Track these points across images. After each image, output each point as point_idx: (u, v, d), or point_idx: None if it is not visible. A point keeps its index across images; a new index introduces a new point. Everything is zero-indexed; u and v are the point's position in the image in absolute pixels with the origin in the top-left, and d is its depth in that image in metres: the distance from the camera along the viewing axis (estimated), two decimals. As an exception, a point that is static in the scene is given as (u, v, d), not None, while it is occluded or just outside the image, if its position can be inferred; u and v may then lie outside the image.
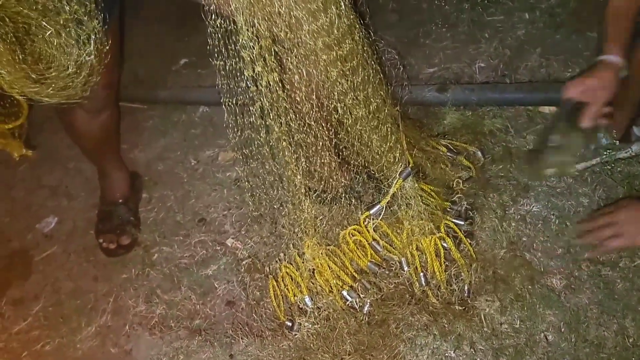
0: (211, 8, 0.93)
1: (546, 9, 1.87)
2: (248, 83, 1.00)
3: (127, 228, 1.63)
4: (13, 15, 0.86)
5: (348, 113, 1.15)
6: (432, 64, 1.84)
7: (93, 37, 0.92)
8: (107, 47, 0.98)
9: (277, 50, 1.00)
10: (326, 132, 1.19)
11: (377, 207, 1.29)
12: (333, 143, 1.26)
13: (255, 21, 0.92)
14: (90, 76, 0.98)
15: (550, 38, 1.78)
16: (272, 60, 0.98)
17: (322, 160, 1.23)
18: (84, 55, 0.93)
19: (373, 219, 1.30)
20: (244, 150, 1.18)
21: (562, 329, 1.19)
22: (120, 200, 1.67)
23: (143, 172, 1.82)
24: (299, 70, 1.01)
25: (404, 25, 1.99)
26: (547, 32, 1.80)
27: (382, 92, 1.16)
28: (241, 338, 1.32)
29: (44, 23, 0.87)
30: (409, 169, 1.24)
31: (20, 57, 0.90)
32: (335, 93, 1.09)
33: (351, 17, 1.02)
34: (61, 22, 0.88)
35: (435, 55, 1.86)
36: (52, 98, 0.96)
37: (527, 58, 1.75)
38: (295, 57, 1.00)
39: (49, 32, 0.88)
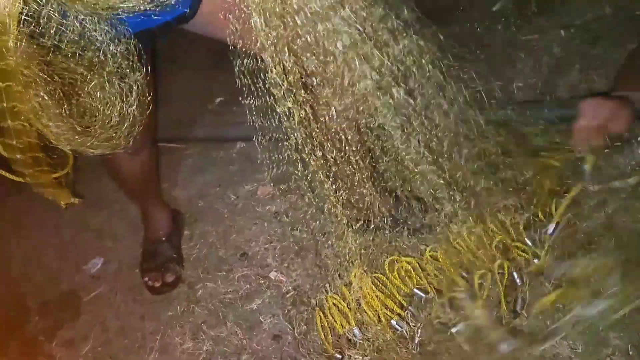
0: (238, 47, 0.95)
1: (581, 25, 1.85)
2: (281, 119, 1.01)
3: (170, 265, 1.64)
4: (61, 72, 0.89)
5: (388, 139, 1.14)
6: (468, 87, 1.82)
7: (135, 88, 0.95)
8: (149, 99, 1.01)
9: (308, 83, 1.00)
10: (366, 160, 1.18)
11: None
12: (373, 170, 1.25)
13: (285, 57, 0.93)
14: (133, 127, 1.00)
15: (588, 53, 1.75)
16: (303, 94, 0.99)
17: (363, 190, 1.22)
18: (127, 107, 0.95)
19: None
20: (281, 186, 1.18)
21: (630, 352, 1.12)
22: (164, 239, 1.69)
23: (184, 209, 1.84)
24: (333, 103, 1.01)
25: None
26: (584, 48, 1.78)
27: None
28: (290, 372, 1.29)
29: (90, 77, 0.90)
30: None
31: (67, 110, 0.93)
32: (374, 119, 1.08)
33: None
34: (105, 75, 0.90)
35: (471, 78, 1.84)
36: (96, 149, 0.99)
37: (566, 75, 1.72)
38: (328, 89, 1.01)
39: (94, 85, 0.91)
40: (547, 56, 1.80)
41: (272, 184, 1.74)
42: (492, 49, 1.90)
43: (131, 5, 0.81)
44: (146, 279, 1.63)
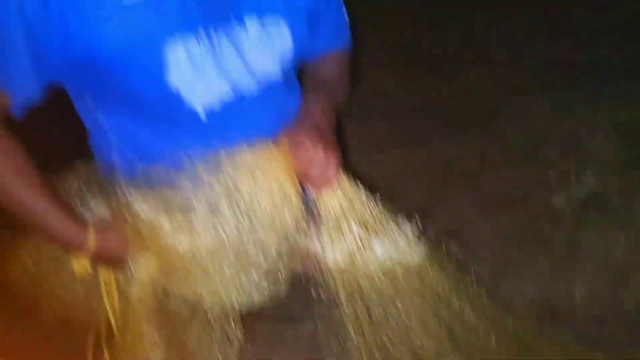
0: None
1: (640, 228, 1.89)
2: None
3: None
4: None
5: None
6: (528, 286, 1.87)
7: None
8: None
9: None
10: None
11: None
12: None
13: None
14: None
15: (651, 263, 1.79)
16: None
17: None
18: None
19: None
20: None
21: None
22: None
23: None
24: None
25: (498, 243, 2.05)
26: (647, 257, 1.81)
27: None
28: None
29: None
30: None
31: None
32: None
33: None
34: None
35: (531, 277, 1.89)
36: None
37: (629, 284, 1.74)
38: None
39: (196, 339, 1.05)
40: (608, 260, 1.83)
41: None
42: (554, 247, 1.95)
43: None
44: None
